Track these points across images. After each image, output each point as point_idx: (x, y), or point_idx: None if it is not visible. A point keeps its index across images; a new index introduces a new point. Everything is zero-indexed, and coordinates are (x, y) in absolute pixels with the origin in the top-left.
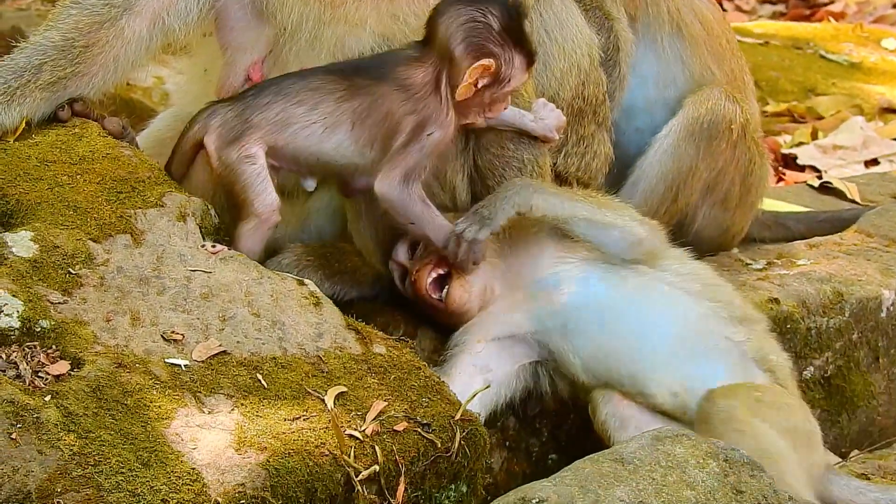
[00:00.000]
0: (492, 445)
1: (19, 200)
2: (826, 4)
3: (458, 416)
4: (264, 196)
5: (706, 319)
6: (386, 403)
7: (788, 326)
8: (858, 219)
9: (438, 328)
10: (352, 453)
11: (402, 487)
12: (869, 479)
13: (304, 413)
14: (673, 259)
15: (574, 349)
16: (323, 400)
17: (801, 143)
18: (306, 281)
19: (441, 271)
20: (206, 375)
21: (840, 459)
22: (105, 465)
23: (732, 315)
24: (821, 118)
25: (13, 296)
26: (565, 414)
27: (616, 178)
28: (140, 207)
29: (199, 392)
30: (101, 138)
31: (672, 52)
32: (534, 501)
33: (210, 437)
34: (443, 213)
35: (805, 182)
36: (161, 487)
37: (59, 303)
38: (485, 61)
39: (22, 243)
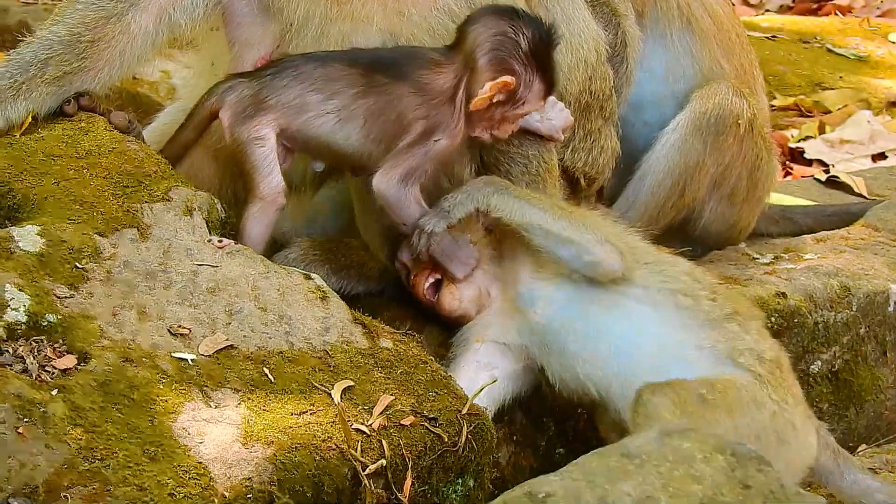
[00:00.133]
0: (499, 440)
1: (25, 195)
2: None
3: (465, 411)
4: (270, 178)
5: (674, 331)
6: (393, 398)
7: (796, 321)
8: (866, 213)
9: (444, 324)
10: (359, 447)
11: (408, 481)
12: (877, 473)
13: (311, 407)
14: (646, 270)
15: (550, 366)
16: (330, 394)
17: (808, 138)
18: (313, 275)
19: (436, 277)
20: (212, 370)
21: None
22: (112, 459)
23: (706, 319)
24: (828, 112)
25: (20, 290)
26: (572, 409)
27: (623, 173)
28: (146, 202)
29: (206, 386)
30: (107, 133)
31: (682, 47)
32: (540, 496)
33: (217, 432)
34: None
35: (812, 176)
36: (168, 481)
37: (66, 297)
38: (506, 78)
39: (28, 238)
